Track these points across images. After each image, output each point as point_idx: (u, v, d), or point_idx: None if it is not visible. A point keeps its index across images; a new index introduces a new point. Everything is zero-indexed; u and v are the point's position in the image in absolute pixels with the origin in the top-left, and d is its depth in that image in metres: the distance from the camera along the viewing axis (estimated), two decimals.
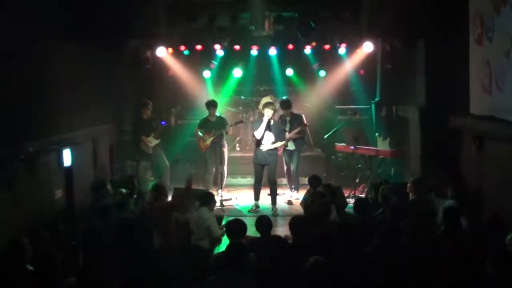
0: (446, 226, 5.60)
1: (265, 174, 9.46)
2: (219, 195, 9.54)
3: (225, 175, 10.05)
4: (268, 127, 9.15)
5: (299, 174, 9.98)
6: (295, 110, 10.15)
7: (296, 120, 9.79)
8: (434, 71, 8.67)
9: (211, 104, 9.96)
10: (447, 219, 5.65)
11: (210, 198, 7.07)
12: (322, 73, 11.92)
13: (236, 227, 5.39)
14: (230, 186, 10.77)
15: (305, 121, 9.94)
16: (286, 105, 9.83)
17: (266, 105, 9.34)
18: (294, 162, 9.86)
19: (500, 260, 4.27)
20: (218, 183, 9.83)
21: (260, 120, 9.39)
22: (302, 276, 4.27)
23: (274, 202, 9.41)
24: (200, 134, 9.91)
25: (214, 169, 10.00)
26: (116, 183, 7.86)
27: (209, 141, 9.82)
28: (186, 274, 4.94)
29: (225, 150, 10.04)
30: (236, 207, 9.69)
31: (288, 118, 9.80)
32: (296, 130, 9.59)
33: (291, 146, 9.81)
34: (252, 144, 10.06)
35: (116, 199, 6.76)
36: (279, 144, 9.24)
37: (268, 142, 9.15)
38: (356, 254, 4.88)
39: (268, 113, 9.05)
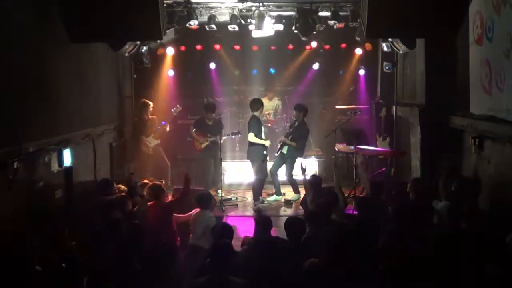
0: (447, 226, 5.62)
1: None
2: (219, 195, 9.55)
3: (224, 174, 10.06)
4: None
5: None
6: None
7: (299, 128, 9.72)
8: (434, 71, 8.66)
9: (210, 108, 9.94)
10: (449, 219, 5.66)
11: (209, 198, 7.08)
12: (321, 73, 11.94)
13: (222, 230, 5.41)
14: (230, 186, 10.78)
15: (309, 132, 10.00)
16: (296, 107, 9.85)
17: (253, 104, 9.72)
18: (287, 169, 9.83)
19: (501, 260, 4.28)
20: (218, 183, 9.84)
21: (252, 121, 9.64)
22: (300, 277, 4.27)
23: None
24: (194, 134, 9.88)
25: (211, 170, 10.01)
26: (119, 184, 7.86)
27: (204, 144, 9.81)
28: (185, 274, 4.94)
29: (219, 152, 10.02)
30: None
31: (296, 123, 9.77)
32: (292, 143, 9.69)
33: (284, 150, 9.79)
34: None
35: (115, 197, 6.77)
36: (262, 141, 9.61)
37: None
38: (357, 254, 4.87)
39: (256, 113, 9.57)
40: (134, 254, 4.64)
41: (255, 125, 9.65)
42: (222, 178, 9.87)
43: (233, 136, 10.25)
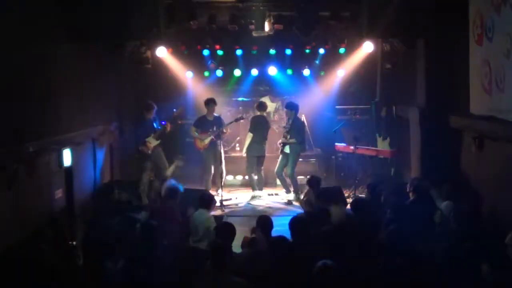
0: (449, 226, 5.63)
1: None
2: (219, 195, 9.55)
3: (224, 174, 10.07)
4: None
5: (295, 174, 10.00)
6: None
7: (294, 124, 9.76)
8: (434, 71, 8.66)
9: (212, 102, 9.95)
10: (452, 218, 5.67)
11: (209, 199, 7.07)
12: (322, 73, 11.92)
13: (226, 230, 5.39)
14: (230, 186, 10.77)
15: (304, 124, 9.99)
16: (287, 106, 9.89)
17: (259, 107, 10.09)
18: (289, 166, 9.86)
19: (498, 260, 4.28)
20: (218, 183, 9.84)
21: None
22: (307, 277, 4.27)
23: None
24: (196, 134, 9.91)
25: (212, 169, 10.00)
26: (122, 185, 7.86)
27: (207, 140, 9.82)
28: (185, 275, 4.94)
29: (221, 150, 10.05)
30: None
31: (290, 121, 9.81)
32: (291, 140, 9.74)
33: (286, 149, 9.82)
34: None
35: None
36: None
37: None
38: (357, 254, 4.88)
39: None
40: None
41: None
42: (221, 177, 9.87)
43: (240, 120, 10.37)
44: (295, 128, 9.75)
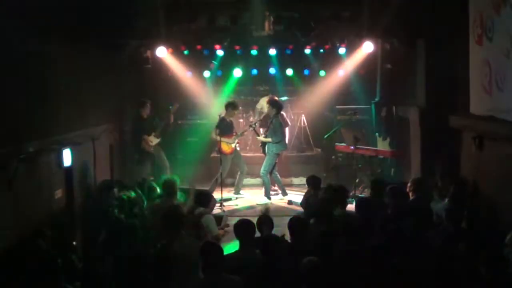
0: (446, 227, 5.63)
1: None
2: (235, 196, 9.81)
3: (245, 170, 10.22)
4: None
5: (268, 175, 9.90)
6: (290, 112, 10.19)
7: (271, 123, 9.68)
8: (434, 71, 8.67)
9: (234, 106, 9.96)
10: (447, 220, 5.67)
11: (209, 198, 7.08)
12: (322, 73, 11.93)
13: (244, 227, 5.33)
14: (230, 186, 10.78)
15: (282, 124, 9.89)
16: (269, 102, 9.89)
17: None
18: (263, 164, 9.74)
19: (493, 261, 4.28)
20: (239, 186, 10.09)
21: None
22: (299, 277, 4.28)
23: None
24: (219, 138, 9.66)
25: (238, 172, 10.04)
26: (123, 186, 7.85)
27: (235, 144, 9.81)
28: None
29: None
30: (236, 207, 9.71)
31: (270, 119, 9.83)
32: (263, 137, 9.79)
33: (266, 148, 9.79)
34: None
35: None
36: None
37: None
38: (356, 253, 4.88)
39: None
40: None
41: None
42: (240, 179, 9.98)
43: (251, 129, 10.33)
44: (272, 127, 9.65)
